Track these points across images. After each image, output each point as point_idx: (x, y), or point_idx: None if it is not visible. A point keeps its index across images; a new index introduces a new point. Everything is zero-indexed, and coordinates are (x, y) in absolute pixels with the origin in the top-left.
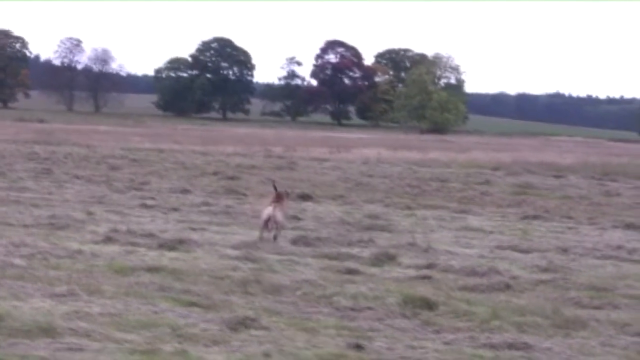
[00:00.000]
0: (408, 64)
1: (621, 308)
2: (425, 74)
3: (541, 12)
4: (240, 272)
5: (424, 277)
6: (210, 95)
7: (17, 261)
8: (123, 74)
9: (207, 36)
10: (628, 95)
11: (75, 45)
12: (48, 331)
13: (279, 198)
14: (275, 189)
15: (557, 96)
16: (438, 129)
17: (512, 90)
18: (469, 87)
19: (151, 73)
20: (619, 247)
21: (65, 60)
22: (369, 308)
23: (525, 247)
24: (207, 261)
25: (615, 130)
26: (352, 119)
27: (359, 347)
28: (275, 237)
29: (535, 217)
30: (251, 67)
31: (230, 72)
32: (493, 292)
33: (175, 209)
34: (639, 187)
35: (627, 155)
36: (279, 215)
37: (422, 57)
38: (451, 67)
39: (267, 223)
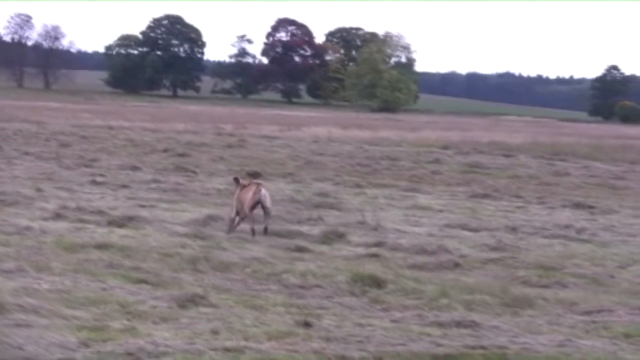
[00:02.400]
0: (359, 43)
1: (569, 287)
2: (376, 52)
3: None
4: (190, 250)
5: (373, 256)
6: (161, 72)
7: None
8: (73, 50)
9: (158, 13)
10: (578, 75)
11: (25, 21)
12: None
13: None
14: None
15: (508, 76)
16: (389, 107)
17: (463, 69)
18: (420, 67)
19: (102, 50)
20: (567, 227)
21: (15, 36)
22: (318, 286)
23: (474, 226)
24: (156, 238)
25: (565, 110)
26: (302, 98)
27: (307, 324)
28: (266, 229)
29: (484, 196)
30: (202, 45)
31: (181, 50)
32: (442, 271)
33: (124, 186)
34: (587, 166)
35: (577, 135)
36: (268, 199)
37: (372, 36)
38: (402, 46)
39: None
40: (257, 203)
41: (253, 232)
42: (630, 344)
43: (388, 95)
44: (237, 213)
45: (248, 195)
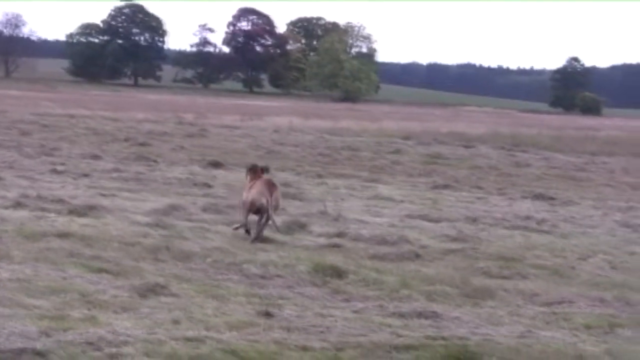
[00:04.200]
0: (320, 33)
1: (529, 278)
2: (337, 42)
3: None
4: (151, 239)
5: (334, 246)
6: (122, 61)
7: None
8: (34, 38)
9: (119, 2)
10: (538, 66)
11: None
12: None
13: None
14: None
15: (468, 66)
16: (350, 97)
17: (424, 60)
18: (381, 57)
19: (63, 38)
20: (528, 218)
21: None
22: (279, 276)
23: (435, 217)
24: (117, 227)
25: (525, 101)
26: (264, 87)
27: (268, 314)
28: (259, 234)
29: (445, 187)
30: (163, 34)
31: (142, 38)
32: (403, 261)
33: (85, 175)
34: (548, 158)
35: (537, 126)
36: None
37: (334, 26)
38: (363, 36)
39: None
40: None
41: (248, 232)
42: (591, 335)
43: (349, 85)
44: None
45: (254, 190)
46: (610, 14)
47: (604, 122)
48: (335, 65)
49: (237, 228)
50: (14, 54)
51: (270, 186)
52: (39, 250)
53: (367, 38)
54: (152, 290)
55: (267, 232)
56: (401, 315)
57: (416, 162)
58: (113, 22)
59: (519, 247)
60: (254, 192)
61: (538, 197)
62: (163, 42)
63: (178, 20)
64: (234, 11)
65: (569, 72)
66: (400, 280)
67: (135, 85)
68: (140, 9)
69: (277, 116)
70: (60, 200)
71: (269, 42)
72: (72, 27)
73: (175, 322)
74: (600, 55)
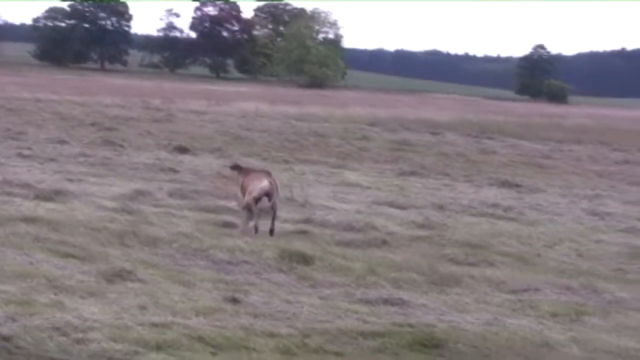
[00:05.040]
0: (287, 18)
1: (496, 265)
2: (303, 28)
3: None
4: (117, 224)
5: (301, 232)
6: (88, 45)
7: None
8: (0, 22)
9: None
10: (505, 53)
11: None
12: None
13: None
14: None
15: (435, 53)
16: (316, 83)
17: (391, 46)
18: (348, 43)
19: (29, 22)
20: (495, 205)
21: None
22: (246, 262)
23: (402, 203)
24: (83, 212)
25: (492, 89)
26: (230, 72)
27: (235, 300)
28: (272, 231)
29: (411, 174)
30: (129, 18)
31: (108, 23)
32: (369, 248)
33: (52, 160)
34: (514, 145)
35: (504, 113)
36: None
37: (300, 12)
38: (329, 22)
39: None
40: (265, 195)
41: (256, 229)
42: (557, 322)
43: (316, 71)
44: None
45: (255, 184)
46: (577, 2)
47: (570, 110)
48: (302, 51)
49: (245, 230)
50: None
51: (268, 174)
52: (5, 235)
53: (333, 24)
54: (118, 276)
55: (233, 218)
56: (368, 302)
57: (383, 149)
58: (79, 7)
59: (486, 234)
60: (256, 181)
61: (505, 184)
62: (129, 26)
63: (144, 5)
64: None
65: (535, 59)
66: (367, 267)
67: (102, 69)
68: None
69: (243, 101)
70: (27, 185)
71: (236, 28)
72: (39, 11)
73: (142, 307)
74: (566, 43)
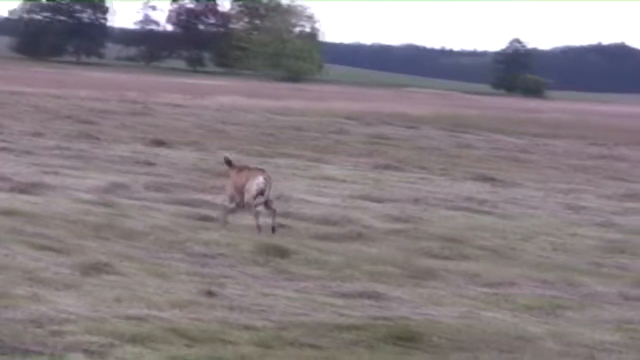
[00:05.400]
0: (263, 12)
1: (471, 259)
2: (280, 22)
3: None
4: (94, 217)
5: (278, 225)
6: (65, 38)
7: None
8: None
9: None
10: (481, 48)
11: None
12: None
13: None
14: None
15: (412, 47)
16: (293, 77)
17: (368, 40)
18: (326, 37)
19: (5, 15)
20: (470, 199)
21: None
22: (222, 255)
23: (378, 197)
24: (60, 205)
25: (468, 83)
26: (207, 66)
27: (211, 293)
28: (274, 228)
29: (388, 167)
30: (105, 11)
31: (85, 16)
32: (346, 241)
33: (28, 152)
34: (491, 139)
35: (480, 107)
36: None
37: (277, 6)
38: (306, 16)
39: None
40: (261, 193)
41: (259, 228)
42: (532, 315)
43: (293, 65)
44: (233, 199)
45: (250, 182)
46: None
47: (547, 104)
48: (279, 44)
49: (259, 227)
50: None
51: (262, 171)
52: None
53: (310, 18)
54: (95, 268)
55: (210, 212)
56: (344, 295)
57: (360, 143)
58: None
59: (462, 227)
60: (251, 179)
61: (481, 178)
62: (106, 19)
63: None
64: None
65: (511, 54)
66: (343, 260)
67: (79, 62)
68: None
69: (220, 95)
70: (3, 178)
71: (213, 21)
72: (15, 3)
73: (118, 300)
74: (542, 37)
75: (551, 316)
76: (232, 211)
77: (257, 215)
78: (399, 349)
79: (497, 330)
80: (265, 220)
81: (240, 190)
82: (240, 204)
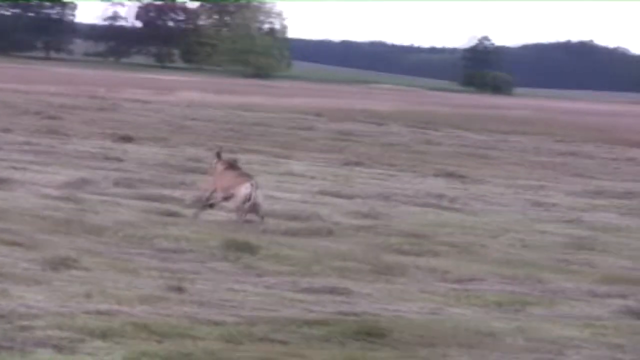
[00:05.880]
0: (232, 9)
1: (441, 255)
2: (248, 18)
3: None
4: (62, 213)
5: (246, 221)
6: (33, 34)
7: None
8: None
9: None
10: (450, 45)
11: None
12: None
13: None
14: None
15: (380, 44)
16: (261, 74)
17: (336, 37)
18: (293, 34)
19: None
20: (439, 196)
21: None
22: (191, 251)
23: (347, 193)
24: (28, 201)
25: (437, 80)
26: (175, 62)
27: (180, 289)
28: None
29: (356, 164)
30: (73, 7)
31: (53, 12)
32: (314, 237)
33: None
34: (459, 136)
35: (449, 104)
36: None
37: (246, 2)
38: (275, 13)
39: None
40: (247, 200)
41: (245, 221)
42: (501, 312)
43: (261, 62)
44: (214, 192)
45: (236, 189)
46: None
47: (515, 102)
48: (247, 41)
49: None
50: None
51: (249, 177)
52: None
53: (279, 15)
54: (63, 264)
55: (177, 208)
56: (313, 291)
57: (328, 139)
58: None
59: (430, 224)
60: (238, 186)
61: (449, 175)
62: (73, 15)
63: None
64: None
65: (479, 51)
66: (311, 256)
67: (47, 58)
68: None
69: (189, 91)
70: None
71: (181, 17)
72: None
73: (87, 295)
74: (511, 34)
75: (519, 312)
76: (203, 205)
77: (241, 217)
78: (367, 345)
79: (465, 327)
80: (230, 216)
81: (221, 189)
82: (215, 203)
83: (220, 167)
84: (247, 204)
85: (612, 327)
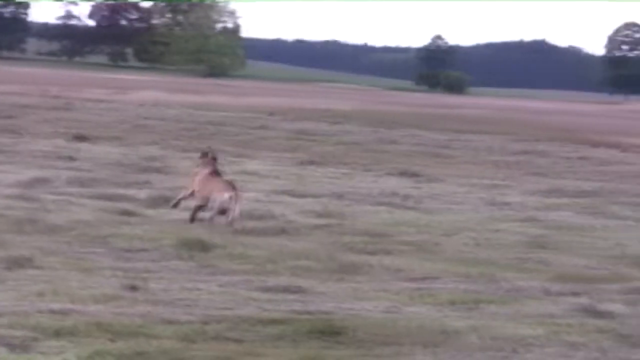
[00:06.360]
0: (186, 8)
1: (395, 254)
2: (202, 17)
3: None
4: (16, 212)
5: (200, 220)
6: None
7: None
8: None
9: None
10: (404, 44)
11: None
12: None
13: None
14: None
15: (334, 44)
16: (215, 73)
17: (290, 36)
18: (247, 33)
19: None
20: (394, 194)
21: None
22: (145, 250)
23: (301, 192)
24: None
25: (391, 79)
26: (129, 61)
27: (134, 288)
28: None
29: (310, 163)
30: (26, 6)
31: (6, 11)
32: (269, 236)
33: None
34: (415, 135)
35: (403, 103)
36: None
37: (199, 1)
38: (228, 12)
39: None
40: (222, 212)
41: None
42: (455, 310)
43: (214, 61)
44: (192, 194)
45: (215, 196)
46: None
47: (468, 101)
48: (201, 40)
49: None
50: None
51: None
52: None
53: (232, 14)
54: (17, 263)
55: (132, 207)
56: (267, 290)
57: (282, 138)
58: None
59: (385, 223)
60: (218, 193)
61: (403, 174)
62: (26, 14)
63: None
64: None
65: (433, 50)
66: (266, 255)
67: (0, 57)
68: None
69: (143, 90)
70: None
71: (135, 16)
72: None
73: (41, 294)
74: (465, 34)
75: (474, 311)
76: (178, 203)
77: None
78: (323, 344)
79: (420, 325)
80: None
81: (201, 193)
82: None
83: (203, 169)
84: (220, 215)
85: (565, 325)
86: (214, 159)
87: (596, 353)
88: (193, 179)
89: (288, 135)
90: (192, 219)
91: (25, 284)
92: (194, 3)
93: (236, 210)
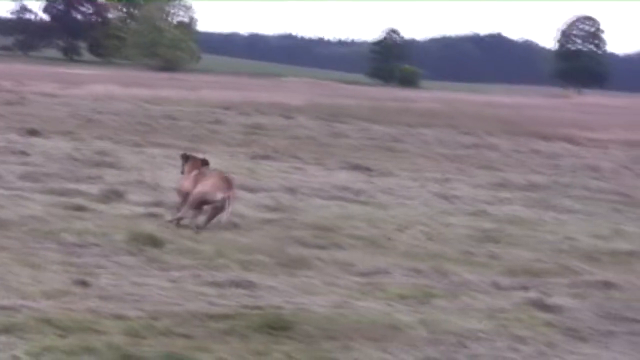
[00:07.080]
0: (141, 1)
1: (345, 248)
2: (156, 11)
3: None
4: None
5: (151, 215)
6: None
7: None
8: None
9: None
10: (358, 38)
11: None
12: None
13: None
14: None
15: (289, 37)
16: (170, 67)
17: (244, 30)
18: (201, 26)
19: None
20: (345, 188)
21: None
22: (95, 245)
23: (253, 187)
24: None
25: (344, 73)
26: (83, 55)
27: (84, 283)
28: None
29: (263, 157)
30: None
31: None
32: (219, 231)
33: None
34: (366, 129)
35: (356, 97)
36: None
37: None
38: (183, 6)
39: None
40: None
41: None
42: (405, 305)
43: (169, 54)
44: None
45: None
46: None
47: (421, 94)
48: (155, 34)
49: (177, 222)
50: None
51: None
52: None
53: (188, 8)
54: None
55: (83, 201)
56: (217, 284)
57: (236, 132)
58: None
59: (336, 217)
60: (208, 184)
61: (355, 167)
62: None
63: None
64: None
65: (387, 44)
66: (216, 250)
67: None
68: None
69: (96, 84)
70: None
71: (89, 10)
72: None
73: None
74: (419, 27)
75: (424, 305)
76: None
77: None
78: (272, 338)
79: (370, 319)
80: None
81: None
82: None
83: (188, 169)
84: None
85: (514, 319)
86: (206, 162)
87: (545, 347)
88: (182, 183)
89: (242, 129)
90: (201, 226)
91: None
92: None
93: (228, 210)
